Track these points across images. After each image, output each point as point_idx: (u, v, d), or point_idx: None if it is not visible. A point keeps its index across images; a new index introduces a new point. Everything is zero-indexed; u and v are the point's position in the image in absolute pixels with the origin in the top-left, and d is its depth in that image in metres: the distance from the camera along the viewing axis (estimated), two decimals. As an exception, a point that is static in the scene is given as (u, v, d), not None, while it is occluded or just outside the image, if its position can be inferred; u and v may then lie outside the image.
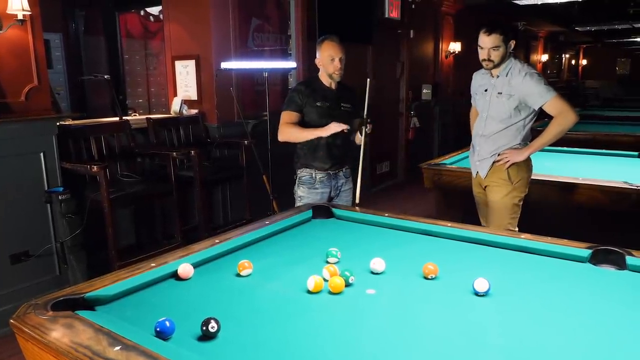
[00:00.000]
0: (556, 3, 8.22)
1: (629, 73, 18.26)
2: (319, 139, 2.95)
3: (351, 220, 2.45)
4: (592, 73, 18.46)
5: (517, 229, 2.92)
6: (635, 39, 14.36)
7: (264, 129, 4.47)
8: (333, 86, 3.02)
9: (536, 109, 2.84)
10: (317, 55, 2.99)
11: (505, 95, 2.85)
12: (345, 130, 2.85)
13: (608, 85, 17.14)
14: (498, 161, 2.93)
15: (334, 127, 2.82)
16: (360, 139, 3.03)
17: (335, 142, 3.01)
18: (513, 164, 2.89)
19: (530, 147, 2.89)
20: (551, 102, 2.76)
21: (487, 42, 2.80)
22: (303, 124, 2.96)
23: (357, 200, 2.96)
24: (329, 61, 2.93)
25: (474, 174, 3.13)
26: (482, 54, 2.85)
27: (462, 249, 2.09)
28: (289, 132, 2.94)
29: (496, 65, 2.85)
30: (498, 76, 2.89)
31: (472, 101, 3.17)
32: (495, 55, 2.81)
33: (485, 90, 2.97)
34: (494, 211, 2.97)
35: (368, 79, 3.01)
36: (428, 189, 3.96)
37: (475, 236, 2.14)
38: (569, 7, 9.43)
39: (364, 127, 2.93)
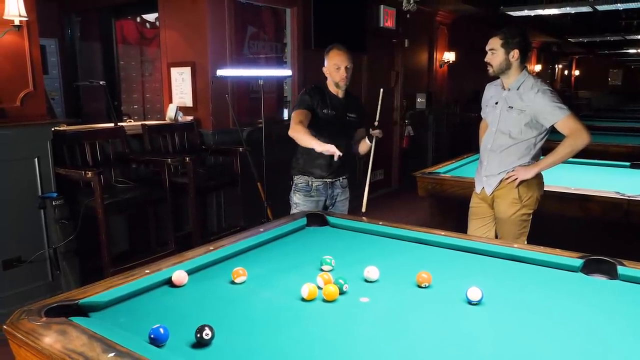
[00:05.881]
0: (549, 15, 8.31)
1: (621, 84, 18.47)
2: None
3: (345, 228, 2.46)
4: (585, 83, 18.64)
5: (526, 242, 2.82)
6: (627, 51, 14.53)
7: (259, 136, 4.48)
8: (340, 95, 3.03)
9: (547, 127, 2.74)
10: (325, 63, 3.00)
11: (516, 110, 2.74)
12: (337, 158, 2.63)
13: (600, 96, 17.30)
14: (506, 179, 2.82)
15: (330, 149, 2.59)
16: (364, 148, 3.10)
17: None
18: (522, 182, 2.78)
19: (538, 165, 2.78)
20: (563, 121, 2.65)
21: (488, 44, 2.79)
22: (310, 125, 2.86)
23: (364, 209, 2.92)
24: (334, 69, 2.95)
25: (477, 189, 3.01)
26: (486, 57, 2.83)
27: (456, 257, 2.10)
28: (296, 131, 2.77)
29: (496, 72, 2.80)
30: (509, 89, 2.79)
31: (482, 113, 3.05)
32: (491, 59, 2.77)
33: (496, 103, 2.87)
34: (503, 227, 2.90)
35: (381, 89, 3.05)
36: (422, 197, 3.97)
37: (468, 245, 2.16)
38: (562, 18, 9.55)
39: (374, 134, 2.96)
